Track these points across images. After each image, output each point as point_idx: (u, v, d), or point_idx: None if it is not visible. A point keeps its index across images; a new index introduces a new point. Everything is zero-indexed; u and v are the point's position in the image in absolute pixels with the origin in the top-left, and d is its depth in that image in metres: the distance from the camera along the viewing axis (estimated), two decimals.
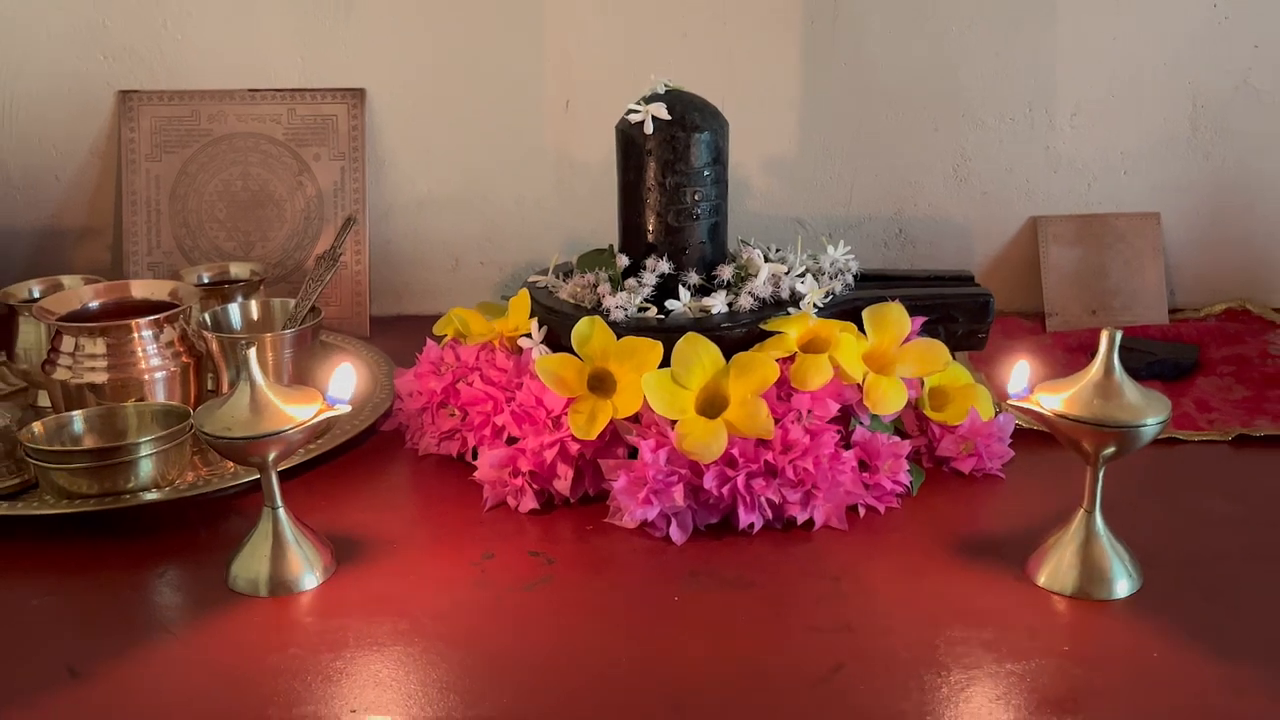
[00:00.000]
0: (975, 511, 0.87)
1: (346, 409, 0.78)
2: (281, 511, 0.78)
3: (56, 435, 0.88)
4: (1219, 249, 1.26)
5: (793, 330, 0.88)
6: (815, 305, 0.92)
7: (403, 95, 1.25)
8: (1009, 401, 0.76)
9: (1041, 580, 0.76)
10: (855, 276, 0.99)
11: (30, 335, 1.01)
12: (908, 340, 0.91)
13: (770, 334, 0.89)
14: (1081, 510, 0.76)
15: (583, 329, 0.88)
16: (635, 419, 0.86)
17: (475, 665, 0.69)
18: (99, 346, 0.91)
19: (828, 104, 1.23)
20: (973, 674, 0.67)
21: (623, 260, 0.95)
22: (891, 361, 0.90)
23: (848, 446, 0.86)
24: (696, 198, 0.93)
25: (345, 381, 0.78)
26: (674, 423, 0.83)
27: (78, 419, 0.89)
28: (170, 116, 1.24)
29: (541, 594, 0.76)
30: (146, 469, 0.84)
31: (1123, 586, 0.75)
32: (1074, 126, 1.23)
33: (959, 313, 0.98)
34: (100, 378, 0.90)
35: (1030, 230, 1.26)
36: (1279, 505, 0.86)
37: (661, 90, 0.94)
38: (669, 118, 0.91)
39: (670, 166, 0.92)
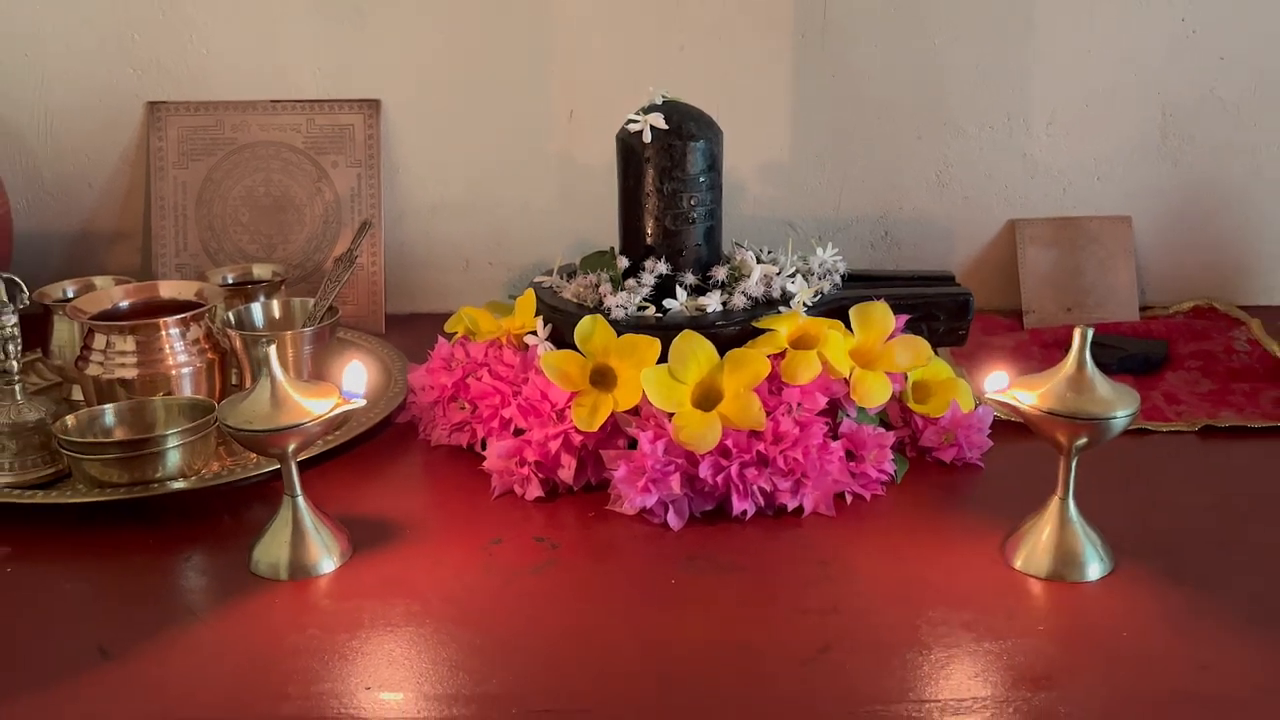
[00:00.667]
0: (956, 499, 0.86)
1: (361, 403, 0.78)
2: (301, 500, 0.77)
3: (89, 427, 0.87)
4: (1187, 250, 1.25)
5: (783, 328, 0.88)
6: (805, 304, 0.92)
7: (416, 106, 1.25)
8: (987, 395, 0.76)
9: (1018, 563, 0.75)
10: (843, 277, 0.99)
11: (64, 333, 1.01)
12: (892, 337, 0.91)
13: (762, 331, 0.89)
14: (1056, 497, 0.76)
15: (585, 327, 0.87)
16: (635, 412, 0.85)
17: (483, 645, 0.69)
18: (129, 344, 0.91)
19: (817, 113, 1.23)
20: (953, 652, 0.67)
21: (623, 262, 0.95)
22: (877, 357, 0.90)
23: (835, 437, 0.85)
24: (692, 203, 0.93)
25: (357, 377, 0.78)
26: (671, 415, 0.83)
27: (109, 412, 0.89)
28: (196, 126, 1.24)
29: (546, 577, 0.76)
30: (173, 459, 0.84)
31: (1095, 569, 0.74)
32: (1050, 135, 1.23)
33: (941, 311, 0.97)
34: (130, 373, 0.90)
35: (1009, 233, 1.26)
36: (1243, 492, 0.86)
37: (659, 101, 0.94)
38: (666, 127, 0.91)
39: (668, 173, 0.92)
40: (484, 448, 0.89)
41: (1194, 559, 0.77)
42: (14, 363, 0.88)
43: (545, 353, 0.88)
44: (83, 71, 1.24)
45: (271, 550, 0.77)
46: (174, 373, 0.91)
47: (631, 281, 0.93)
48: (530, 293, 0.95)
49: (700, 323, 0.89)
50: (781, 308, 0.92)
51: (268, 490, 0.86)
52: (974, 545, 0.78)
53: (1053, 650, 0.67)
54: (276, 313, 1.04)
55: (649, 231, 0.94)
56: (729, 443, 0.82)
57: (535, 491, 0.85)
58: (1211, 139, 1.22)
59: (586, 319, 0.88)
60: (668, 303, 0.91)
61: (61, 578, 0.77)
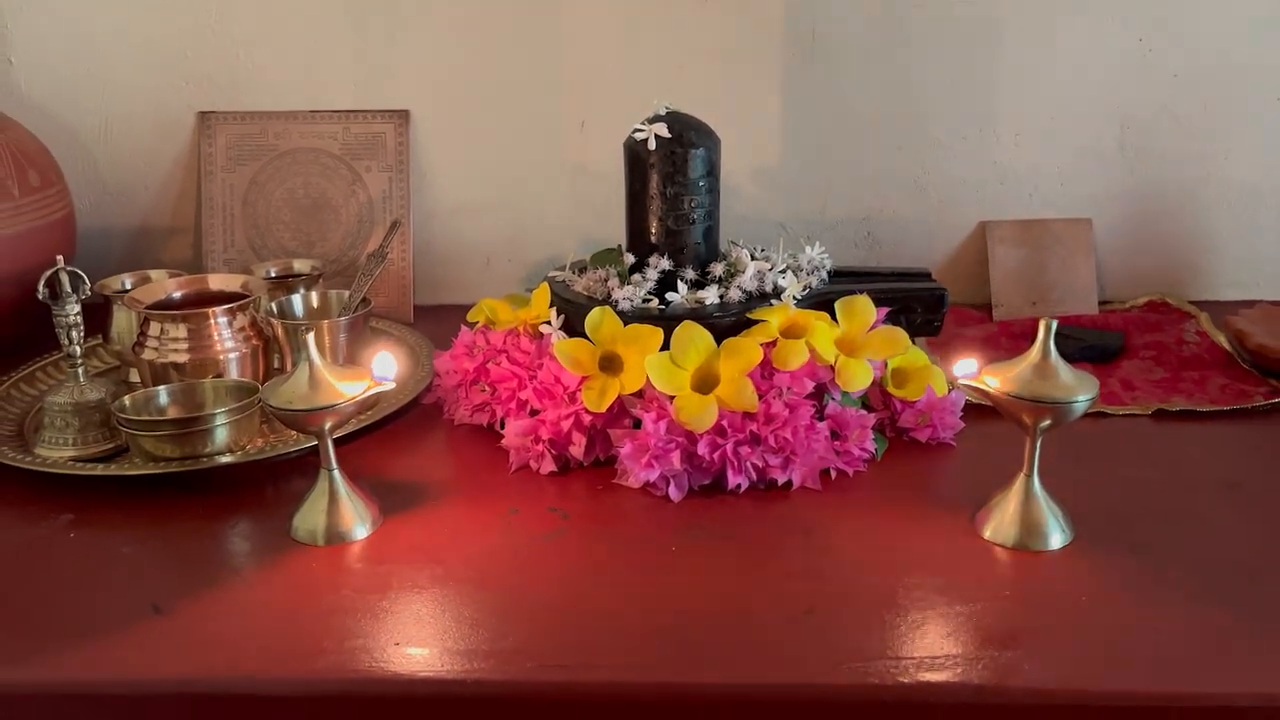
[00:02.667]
0: (930, 475, 0.86)
1: (391, 386, 0.77)
2: (336, 473, 0.77)
3: (144, 407, 0.87)
4: (1142, 250, 1.25)
5: (775, 319, 0.88)
6: (794, 297, 0.92)
7: (442, 117, 1.24)
8: (960, 380, 0.76)
9: (987, 534, 0.75)
10: (829, 273, 0.98)
11: (123, 321, 1.01)
12: (874, 328, 0.90)
13: (755, 322, 0.88)
14: (1022, 474, 0.75)
15: (595, 317, 0.87)
16: (639, 395, 0.85)
17: (501, 605, 0.68)
18: (181, 331, 0.90)
19: (806, 124, 1.22)
20: (927, 615, 0.67)
21: (629, 258, 0.94)
22: (860, 346, 0.89)
23: (821, 418, 0.85)
24: (693, 205, 0.92)
25: (387, 365, 0.78)
26: (672, 398, 0.82)
27: (162, 393, 0.89)
28: (242, 134, 1.24)
29: (558, 544, 0.76)
30: (221, 436, 0.84)
31: (1057, 540, 0.74)
32: (1018, 144, 1.22)
33: (918, 304, 0.97)
34: (182, 358, 0.90)
35: (980, 233, 1.25)
36: (1191, 471, 0.85)
37: (663, 112, 0.93)
38: (669, 136, 0.90)
39: (670, 178, 0.91)
40: (502, 427, 0.89)
41: (1147, 530, 0.76)
42: (77, 348, 0.88)
43: (558, 341, 0.87)
44: (140, 84, 1.23)
45: (309, 518, 0.76)
46: (222, 357, 0.91)
47: (637, 276, 0.92)
48: (545, 286, 0.95)
49: (699, 314, 0.89)
50: (773, 300, 0.91)
51: (306, 464, 0.86)
52: (947, 517, 0.78)
53: (1018, 613, 0.67)
54: (315, 303, 1.03)
55: (653, 231, 0.93)
56: (725, 423, 0.81)
57: (549, 466, 0.85)
58: (1165, 149, 1.21)
59: (596, 310, 0.87)
60: (670, 296, 0.91)
61: (119, 542, 0.77)
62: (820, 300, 0.93)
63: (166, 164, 1.26)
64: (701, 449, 0.81)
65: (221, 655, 0.64)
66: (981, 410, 0.92)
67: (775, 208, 1.25)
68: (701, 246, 0.94)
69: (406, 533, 0.77)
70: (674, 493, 0.81)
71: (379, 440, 0.92)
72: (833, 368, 0.87)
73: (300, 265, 1.14)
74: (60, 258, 0.88)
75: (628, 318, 0.88)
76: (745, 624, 0.66)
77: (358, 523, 0.77)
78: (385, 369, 0.77)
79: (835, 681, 0.61)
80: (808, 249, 0.98)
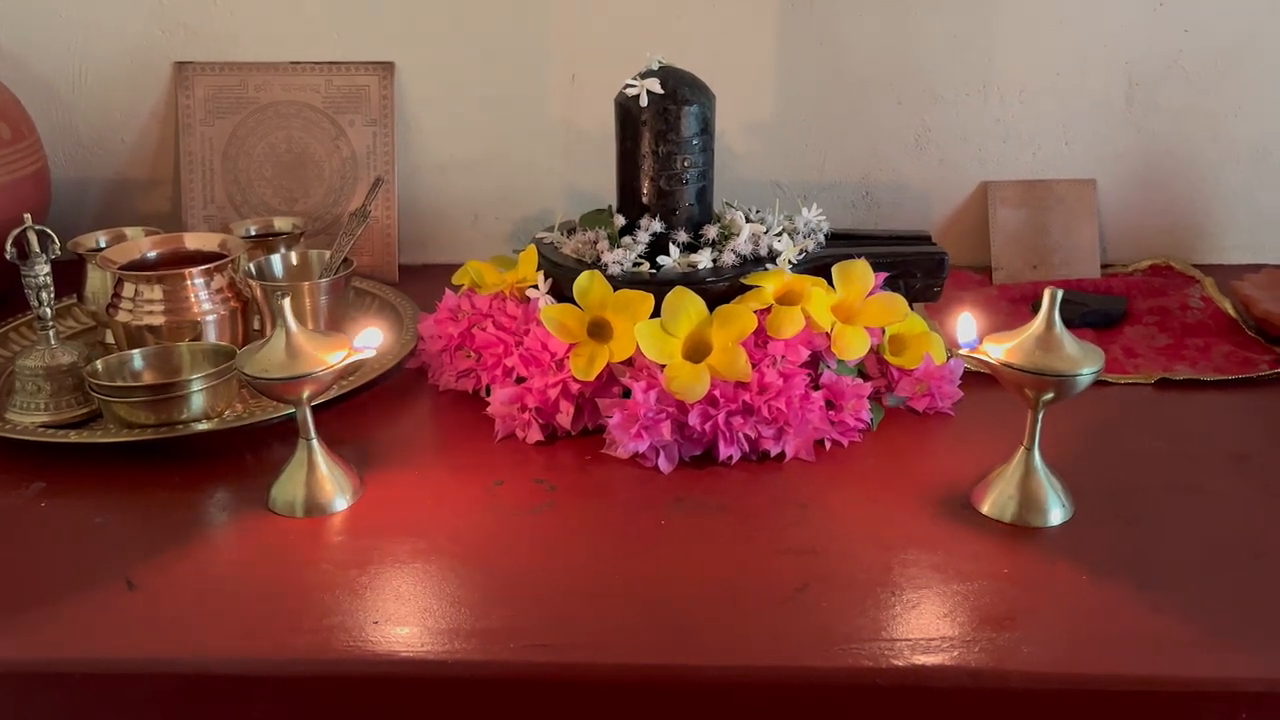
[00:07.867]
0: (928, 446, 0.84)
1: (371, 354, 0.75)
2: (315, 442, 0.75)
3: (118, 371, 0.85)
4: (1147, 212, 1.22)
5: (770, 284, 0.85)
6: (790, 262, 0.89)
7: (428, 69, 1.20)
8: (961, 352, 0.74)
9: (985, 509, 0.73)
10: (826, 236, 0.95)
11: (97, 281, 0.98)
12: (871, 294, 0.88)
13: (749, 287, 0.86)
14: (1022, 447, 0.73)
15: (583, 282, 0.84)
16: (629, 363, 0.83)
17: (485, 581, 0.67)
18: (156, 292, 0.88)
19: (804, 80, 1.19)
20: (923, 593, 0.65)
21: (620, 220, 0.92)
22: (857, 312, 0.87)
23: (816, 388, 0.83)
24: (686, 164, 0.89)
25: (372, 338, 0.75)
26: (663, 366, 0.80)
27: (137, 357, 0.86)
28: (221, 85, 1.20)
29: (545, 517, 0.74)
30: (198, 402, 0.82)
31: (1056, 515, 0.72)
32: (1022, 101, 1.19)
33: (917, 269, 0.94)
34: (158, 320, 0.87)
35: (981, 194, 1.22)
36: (1195, 442, 0.83)
37: (656, 67, 0.89)
38: (662, 92, 0.87)
39: (663, 136, 0.88)
40: (488, 393, 0.87)
41: (1150, 504, 0.75)
42: (47, 309, 0.86)
43: (546, 306, 0.85)
44: (114, 33, 1.19)
45: (288, 489, 0.74)
46: (199, 320, 0.88)
47: (627, 239, 0.89)
48: (532, 249, 0.92)
49: (691, 279, 0.86)
50: (768, 265, 0.89)
51: (286, 431, 0.83)
52: (944, 491, 0.76)
53: (1016, 592, 0.65)
54: (295, 263, 1.00)
55: (644, 191, 0.90)
56: (717, 393, 0.79)
57: (535, 435, 0.83)
58: (1173, 107, 1.18)
59: (585, 274, 0.85)
60: (661, 259, 0.88)
61: (91, 513, 0.75)
62: (817, 264, 0.91)
63: (143, 116, 1.23)
64: (692, 419, 0.79)
65: (195, 633, 0.62)
66: (980, 379, 0.89)
67: (771, 167, 1.22)
68: (695, 208, 0.91)
69: (388, 505, 0.75)
70: (664, 464, 0.79)
71: (361, 406, 0.90)
72: (829, 335, 0.84)
73: (281, 224, 1.11)
74: (28, 216, 0.85)
75: (618, 282, 0.85)
76: (735, 602, 0.64)
77: (337, 494, 0.75)
78: (369, 340, 0.75)
79: (827, 664, 0.60)
80: (804, 211, 0.95)
